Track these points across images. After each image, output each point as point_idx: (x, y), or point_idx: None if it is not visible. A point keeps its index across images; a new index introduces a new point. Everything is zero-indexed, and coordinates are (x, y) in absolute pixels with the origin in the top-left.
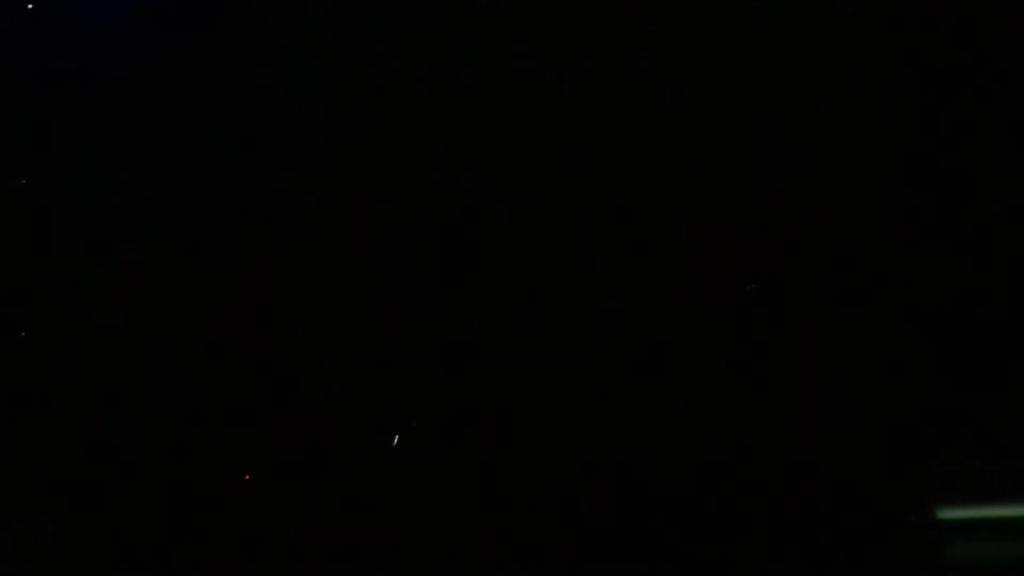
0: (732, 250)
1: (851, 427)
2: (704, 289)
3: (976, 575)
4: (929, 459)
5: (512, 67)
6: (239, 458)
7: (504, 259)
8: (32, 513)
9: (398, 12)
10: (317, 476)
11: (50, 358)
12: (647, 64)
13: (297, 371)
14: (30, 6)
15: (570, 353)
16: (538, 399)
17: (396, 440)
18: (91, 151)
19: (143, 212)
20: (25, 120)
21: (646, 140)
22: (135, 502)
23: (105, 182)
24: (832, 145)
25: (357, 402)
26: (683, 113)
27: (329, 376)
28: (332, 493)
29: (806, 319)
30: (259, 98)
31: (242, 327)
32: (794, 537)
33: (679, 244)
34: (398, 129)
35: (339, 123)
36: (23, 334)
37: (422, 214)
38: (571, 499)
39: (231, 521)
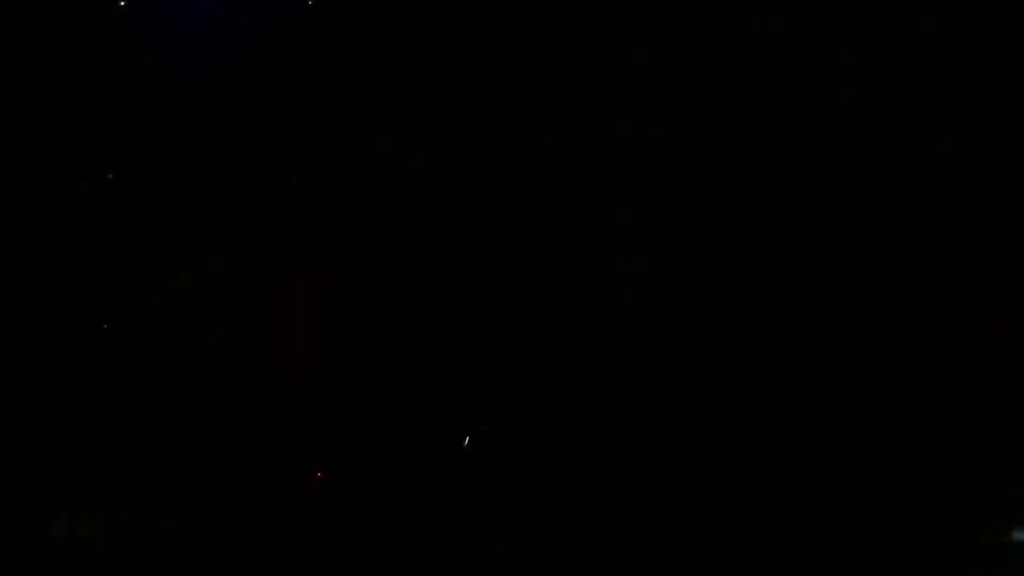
0: None
1: (926, 444)
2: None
3: None
4: (1005, 479)
5: None
6: (315, 455)
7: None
8: (111, 502)
9: None
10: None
11: (128, 349)
12: None
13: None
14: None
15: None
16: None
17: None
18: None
19: None
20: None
21: None
22: (211, 493)
23: None
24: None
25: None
26: None
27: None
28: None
29: (878, 326)
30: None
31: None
32: (865, 556)
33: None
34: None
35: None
36: (105, 327)
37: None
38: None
39: (305, 514)
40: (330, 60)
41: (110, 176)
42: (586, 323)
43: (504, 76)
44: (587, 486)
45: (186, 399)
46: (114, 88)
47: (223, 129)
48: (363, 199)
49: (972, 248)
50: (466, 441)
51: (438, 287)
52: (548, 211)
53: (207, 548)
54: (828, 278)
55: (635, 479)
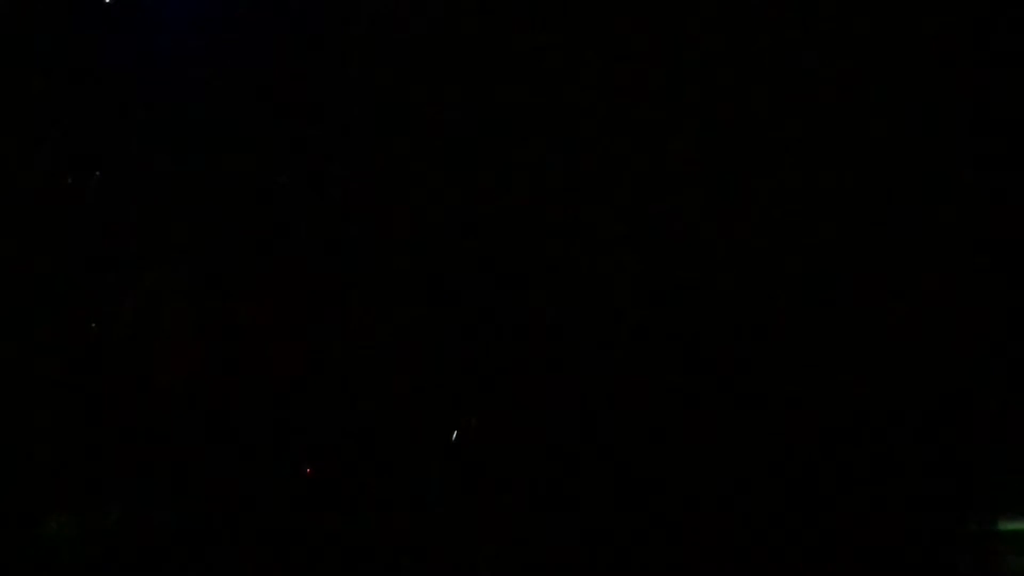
0: None
1: (908, 432)
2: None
3: None
4: (990, 467)
5: None
6: (302, 451)
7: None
8: (95, 500)
9: None
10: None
11: (112, 347)
12: None
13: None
14: None
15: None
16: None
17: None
18: None
19: None
20: None
21: None
22: (197, 491)
23: None
24: None
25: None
26: None
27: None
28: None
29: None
30: None
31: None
32: (848, 545)
33: None
34: None
35: None
36: (93, 325)
37: None
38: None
39: (292, 513)
40: (320, 55)
41: (97, 174)
42: (583, 321)
43: (502, 75)
44: (581, 485)
45: (174, 396)
46: (101, 84)
47: (211, 125)
48: (353, 198)
49: (967, 245)
50: (454, 436)
51: (428, 283)
52: (543, 211)
53: (196, 546)
54: (822, 272)
55: (631, 478)
